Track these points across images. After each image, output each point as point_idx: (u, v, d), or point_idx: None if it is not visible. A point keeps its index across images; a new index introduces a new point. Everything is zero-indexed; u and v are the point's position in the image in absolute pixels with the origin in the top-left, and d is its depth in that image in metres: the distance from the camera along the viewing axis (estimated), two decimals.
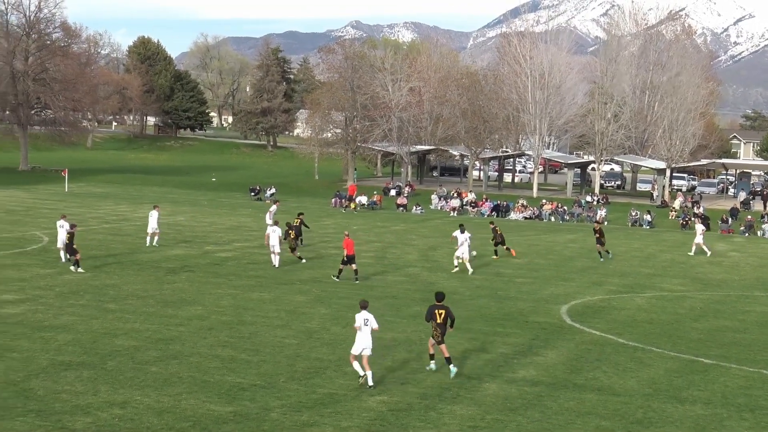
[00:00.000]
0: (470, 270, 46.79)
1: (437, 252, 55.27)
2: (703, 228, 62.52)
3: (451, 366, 25.67)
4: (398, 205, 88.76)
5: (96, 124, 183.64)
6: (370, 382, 24.15)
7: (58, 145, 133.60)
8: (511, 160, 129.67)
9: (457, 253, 47.61)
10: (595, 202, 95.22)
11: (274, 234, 45.88)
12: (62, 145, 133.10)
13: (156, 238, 51.84)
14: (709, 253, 59.19)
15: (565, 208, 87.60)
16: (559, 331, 32.93)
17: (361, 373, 24.45)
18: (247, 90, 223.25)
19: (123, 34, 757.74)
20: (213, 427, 20.61)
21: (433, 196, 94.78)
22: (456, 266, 47.47)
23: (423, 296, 38.56)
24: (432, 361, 26.32)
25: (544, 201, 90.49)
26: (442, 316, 25.67)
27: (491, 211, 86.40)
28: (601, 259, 54.09)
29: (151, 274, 41.48)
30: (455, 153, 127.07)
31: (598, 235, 55.17)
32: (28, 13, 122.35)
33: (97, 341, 27.84)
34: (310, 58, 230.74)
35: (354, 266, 42.38)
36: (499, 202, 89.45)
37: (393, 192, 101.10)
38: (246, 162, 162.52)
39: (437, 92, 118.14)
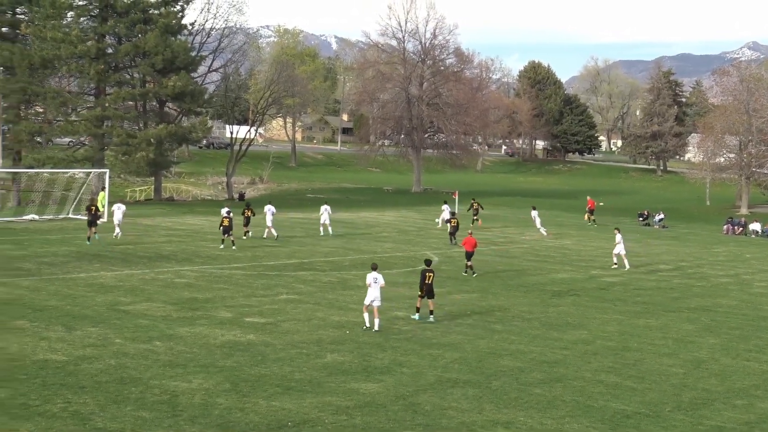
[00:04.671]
0: (627, 266, 53.04)
1: None
2: None
3: (431, 317, 33.86)
4: None
5: (486, 147, 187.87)
6: (376, 328, 31.26)
7: (449, 168, 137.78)
8: None
9: (614, 251, 53.68)
10: None
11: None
12: (453, 168, 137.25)
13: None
14: None
15: None
16: None
17: (367, 323, 31.49)
18: (637, 113, 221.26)
19: (515, 60, 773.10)
20: None
21: None
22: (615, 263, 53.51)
23: None
24: (417, 314, 34.16)
25: None
26: (431, 278, 33.58)
27: None
28: None
29: (537, 297, 41.70)
30: None
31: None
32: (423, 41, 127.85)
33: (482, 360, 28.27)
34: (703, 80, 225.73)
35: (469, 263, 47.29)
36: None
37: None
38: (634, 186, 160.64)
39: None
